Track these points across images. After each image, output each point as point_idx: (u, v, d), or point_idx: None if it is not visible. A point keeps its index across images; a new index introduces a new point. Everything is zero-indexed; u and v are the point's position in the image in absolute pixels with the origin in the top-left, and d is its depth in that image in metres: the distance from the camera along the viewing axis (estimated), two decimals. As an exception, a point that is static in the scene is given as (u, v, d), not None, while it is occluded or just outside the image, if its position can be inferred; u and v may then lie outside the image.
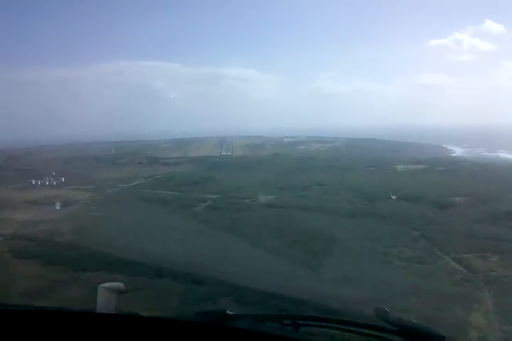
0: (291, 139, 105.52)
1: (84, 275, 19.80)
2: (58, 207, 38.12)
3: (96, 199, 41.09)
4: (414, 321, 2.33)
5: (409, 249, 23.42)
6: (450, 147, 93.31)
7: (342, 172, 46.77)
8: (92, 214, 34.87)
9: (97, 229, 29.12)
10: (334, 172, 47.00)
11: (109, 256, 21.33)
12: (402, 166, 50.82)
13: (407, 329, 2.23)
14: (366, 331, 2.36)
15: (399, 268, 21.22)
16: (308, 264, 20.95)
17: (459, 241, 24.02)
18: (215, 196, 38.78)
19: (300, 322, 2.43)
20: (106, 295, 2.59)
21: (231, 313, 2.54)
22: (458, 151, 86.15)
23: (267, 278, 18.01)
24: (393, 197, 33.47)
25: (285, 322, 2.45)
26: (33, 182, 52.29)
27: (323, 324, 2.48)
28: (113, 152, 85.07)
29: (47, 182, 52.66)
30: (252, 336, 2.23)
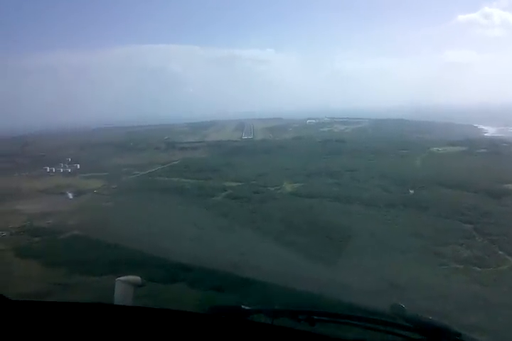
0: (313, 121, 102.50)
1: (90, 279, 17.25)
2: (70, 197, 36.25)
3: (109, 188, 38.72)
4: (430, 317, 2.28)
5: (464, 248, 19.85)
6: (481, 126, 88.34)
7: (373, 156, 42.84)
8: (104, 205, 32.36)
9: (108, 223, 26.49)
10: (364, 156, 43.15)
11: (119, 256, 18.75)
12: (438, 148, 46.45)
13: (423, 326, 2.24)
14: (382, 327, 2.33)
15: (456, 272, 17.76)
16: (344, 267, 17.79)
17: (522, 237, 20.32)
18: (235, 184, 35.72)
19: (315, 317, 2.40)
20: (123, 288, 2.66)
21: (246, 308, 2.54)
22: (490, 131, 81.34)
23: (294, 282, 14.96)
24: (435, 184, 29.58)
25: (300, 317, 2.41)
26: (48, 169, 51.22)
27: (339, 320, 2.47)
28: (130, 137, 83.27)
29: (61, 170, 51.20)
30: (267, 329, 2.22)
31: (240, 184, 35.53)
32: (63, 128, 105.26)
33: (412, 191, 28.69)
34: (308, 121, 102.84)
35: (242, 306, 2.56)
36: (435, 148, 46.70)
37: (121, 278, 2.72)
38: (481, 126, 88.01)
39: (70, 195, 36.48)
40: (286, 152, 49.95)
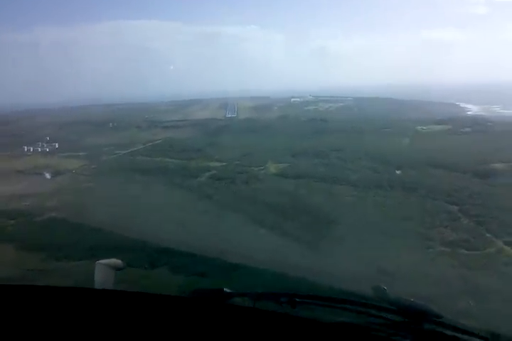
0: (298, 99, 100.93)
1: (67, 265, 16.49)
2: (47, 178, 35.14)
3: (89, 168, 37.61)
4: (412, 300, 2.27)
5: (450, 230, 19.62)
6: (463, 105, 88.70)
7: (358, 135, 42.08)
8: (83, 186, 31.35)
9: (87, 205, 25.71)
10: (350, 135, 42.39)
11: (98, 240, 18.01)
12: (423, 127, 45.95)
13: (404, 308, 2.24)
14: (364, 310, 2.32)
15: (442, 255, 17.54)
16: (330, 251, 17.45)
17: (509, 219, 20.09)
18: (219, 164, 34.92)
19: (297, 300, 2.39)
20: (104, 271, 2.61)
21: (228, 291, 2.53)
22: (473, 109, 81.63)
23: (278, 267, 14.45)
24: (422, 164, 29.17)
25: (282, 300, 2.40)
26: (25, 148, 50.01)
27: (321, 302, 2.46)
28: (110, 115, 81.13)
29: (39, 149, 49.86)
30: (250, 313, 2.22)
31: (223, 164, 34.75)
32: (43, 107, 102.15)
33: (398, 171, 28.30)
34: (292, 99, 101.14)
35: (225, 289, 2.54)
36: (420, 127, 46.26)
37: (102, 261, 2.67)
38: (463, 105, 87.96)
39: (48, 176, 35.38)
40: (271, 131, 49.04)
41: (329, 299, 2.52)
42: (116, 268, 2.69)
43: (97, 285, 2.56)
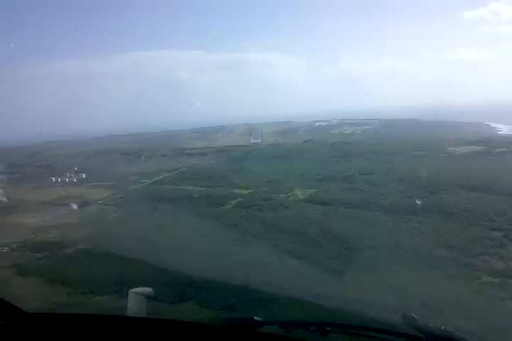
0: (322, 123, 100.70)
1: (93, 300, 15.96)
2: (74, 208, 35.23)
3: (115, 198, 37.56)
4: (441, 328, 2.27)
5: (497, 259, 18.21)
6: (493, 125, 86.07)
7: (387, 158, 41.08)
8: (110, 217, 31.21)
9: (113, 236, 25.39)
10: (378, 158, 41.40)
11: (125, 274, 17.36)
12: (455, 148, 44.50)
13: (434, 336, 2.23)
14: (394, 338, 2.33)
15: (490, 286, 16.14)
16: (365, 283, 16.23)
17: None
18: (245, 191, 34.29)
19: (327, 328, 2.38)
20: (136, 299, 2.67)
21: (259, 319, 2.50)
22: (504, 129, 79.13)
23: (309, 297, 13.44)
24: (458, 187, 27.80)
25: (312, 328, 2.40)
26: (53, 179, 50.66)
27: (351, 331, 2.45)
28: (136, 144, 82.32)
29: (67, 179, 50.42)
30: (279, 340, 2.23)
31: (249, 191, 34.12)
32: (70, 138, 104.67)
33: (433, 195, 26.93)
34: (317, 123, 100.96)
35: (255, 317, 2.50)
36: (452, 148, 44.78)
37: (135, 289, 2.71)
38: (493, 125, 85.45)
39: (75, 206, 35.41)
40: (297, 156, 48.42)
41: (359, 327, 2.49)
42: (148, 297, 2.74)
43: (130, 313, 2.60)
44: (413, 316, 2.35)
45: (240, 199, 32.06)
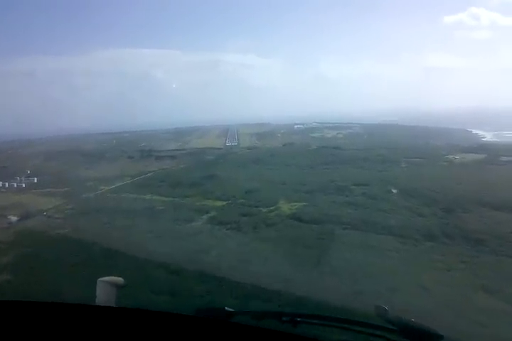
0: (301, 126, 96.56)
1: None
2: (12, 221, 29.41)
3: (64, 210, 31.47)
4: (413, 320, 2.28)
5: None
6: (475, 131, 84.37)
7: (382, 166, 36.12)
8: (50, 235, 25.16)
9: (50, 261, 19.83)
10: (371, 166, 36.36)
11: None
12: (454, 156, 40.01)
13: (406, 328, 2.24)
14: (365, 329, 2.33)
15: None
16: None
17: None
18: (219, 203, 28.76)
19: (299, 319, 2.40)
20: (105, 288, 2.62)
21: (230, 310, 2.53)
22: (487, 136, 77.26)
23: None
24: (476, 204, 22.95)
25: (284, 319, 2.40)
26: (0, 184, 43.93)
27: (322, 322, 2.47)
28: (103, 145, 76.13)
29: (15, 184, 44.18)
30: (251, 331, 2.25)
31: (224, 203, 28.60)
32: (37, 136, 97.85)
33: (450, 215, 21.91)
34: (296, 126, 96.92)
35: (226, 308, 2.52)
36: (451, 156, 40.21)
37: (104, 278, 2.66)
38: (475, 131, 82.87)
39: (13, 219, 29.54)
40: (277, 161, 43.10)
41: (330, 318, 2.43)
42: (118, 286, 2.65)
43: (99, 302, 2.52)
44: (385, 308, 2.31)
45: (213, 214, 26.58)
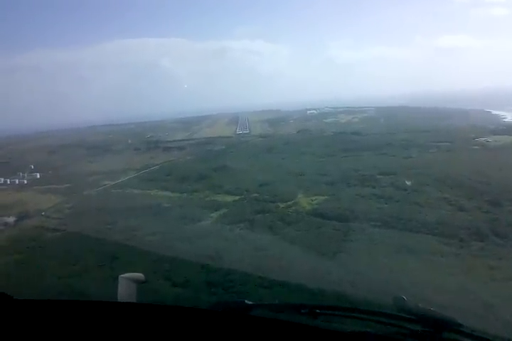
0: (314, 111, 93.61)
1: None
2: (8, 222, 27.35)
3: (64, 209, 29.15)
4: (431, 309, 2.16)
5: None
6: (495, 112, 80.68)
7: (407, 151, 32.90)
8: (47, 237, 22.91)
9: (45, 268, 17.67)
10: (395, 152, 33.24)
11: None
12: (486, 139, 36.62)
13: (424, 318, 2.16)
14: (384, 319, 2.27)
15: None
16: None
17: None
18: (231, 198, 26.10)
19: (318, 311, 2.35)
20: (126, 285, 2.62)
21: (250, 303, 2.50)
22: (508, 116, 73.61)
23: None
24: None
25: (303, 311, 2.35)
26: (1, 180, 42.04)
27: (341, 313, 2.43)
28: (110, 136, 73.94)
29: (17, 181, 42.30)
30: (271, 324, 2.18)
31: (236, 198, 25.93)
32: (44, 129, 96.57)
33: (498, 209, 18.78)
34: (308, 112, 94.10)
35: (246, 301, 2.47)
36: (482, 139, 36.84)
37: (125, 275, 2.63)
38: (494, 112, 79.39)
39: (8, 220, 27.36)
40: (293, 149, 40.18)
41: (349, 309, 2.40)
42: (139, 282, 2.62)
43: (120, 299, 2.51)
44: (403, 298, 2.24)
45: (224, 211, 23.95)
